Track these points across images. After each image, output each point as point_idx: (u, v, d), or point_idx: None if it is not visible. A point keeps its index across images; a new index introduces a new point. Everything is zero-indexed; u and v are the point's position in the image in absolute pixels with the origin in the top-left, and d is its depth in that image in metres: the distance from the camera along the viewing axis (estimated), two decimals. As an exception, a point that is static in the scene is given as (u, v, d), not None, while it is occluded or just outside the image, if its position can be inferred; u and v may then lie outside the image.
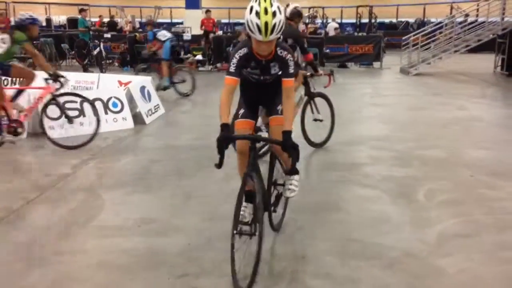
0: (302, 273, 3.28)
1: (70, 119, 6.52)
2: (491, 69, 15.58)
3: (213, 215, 4.29)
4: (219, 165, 3.01)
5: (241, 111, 3.53)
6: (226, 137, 2.97)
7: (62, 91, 6.48)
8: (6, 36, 6.23)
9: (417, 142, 6.75)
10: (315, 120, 6.20)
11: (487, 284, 3.17)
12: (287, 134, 3.02)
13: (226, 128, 3.01)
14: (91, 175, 5.48)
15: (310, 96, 6.23)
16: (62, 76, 6.33)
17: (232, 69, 3.12)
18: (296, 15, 6.31)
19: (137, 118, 7.98)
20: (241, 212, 3.33)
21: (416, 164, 5.75)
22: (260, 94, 3.42)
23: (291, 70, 3.11)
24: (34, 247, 3.68)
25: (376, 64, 16.88)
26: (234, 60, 3.11)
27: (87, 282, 3.19)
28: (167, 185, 5.07)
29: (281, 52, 3.10)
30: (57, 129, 7.05)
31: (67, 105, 7.16)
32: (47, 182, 5.12)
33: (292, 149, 2.98)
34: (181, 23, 23.39)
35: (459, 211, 4.33)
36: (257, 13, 2.86)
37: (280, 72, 3.20)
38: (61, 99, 6.52)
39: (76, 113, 7.32)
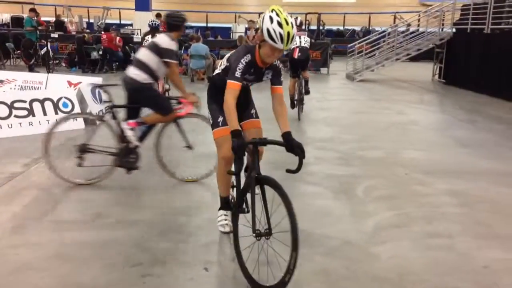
0: (247, 262, 3.52)
1: None
2: (430, 77, 16.50)
3: (166, 209, 4.49)
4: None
5: (220, 118, 3.57)
6: (242, 144, 3.08)
7: None
8: None
9: (359, 143, 7.19)
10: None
11: (415, 267, 3.54)
12: (289, 134, 3.20)
13: (240, 135, 3.12)
14: (43, 173, 5.52)
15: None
16: None
17: (238, 74, 3.23)
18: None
19: (88, 119, 8.01)
20: (223, 222, 3.58)
21: (357, 163, 6.16)
22: (241, 100, 3.43)
23: (282, 78, 3.44)
24: (-11, 241, 3.76)
25: (323, 70, 17.47)
26: (240, 66, 3.24)
27: (45, 272, 3.32)
28: (121, 182, 5.21)
29: (275, 61, 3.37)
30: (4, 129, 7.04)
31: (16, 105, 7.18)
32: (-2, 180, 5.15)
33: (297, 149, 3.10)
34: (131, 25, 23.23)
35: (393, 205, 4.74)
36: (279, 24, 3.04)
37: (268, 79, 3.47)
38: None
39: (25, 112, 7.33)
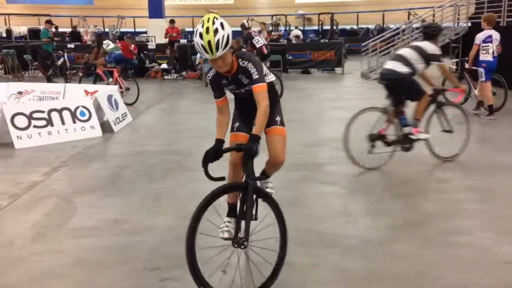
0: (268, 264, 3.53)
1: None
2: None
3: (182, 214, 4.51)
4: (208, 177, 3.02)
5: (236, 124, 3.55)
6: (207, 151, 3.04)
7: None
8: None
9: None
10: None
11: (434, 263, 3.51)
12: (253, 137, 3.03)
13: (216, 143, 3.10)
14: (62, 181, 5.62)
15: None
16: None
17: (212, 91, 3.30)
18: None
19: (105, 126, 8.13)
20: (224, 229, 3.42)
21: (373, 162, 6.11)
22: (252, 107, 3.29)
23: (255, 76, 3.13)
24: (11, 249, 3.84)
25: (338, 70, 17.39)
26: (210, 83, 3.29)
27: (66, 278, 3.38)
28: (137, 188, 5.27)
29: (243, 63, 3.17)
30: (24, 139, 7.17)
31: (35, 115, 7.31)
32: (19, 190, 5.24)
33: (245, 149, 3.00)
34: (145, 32, 23.45)
35: (411, 202, 4.71)
36: (201, 35, 2.93)
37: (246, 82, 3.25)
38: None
39: (43, 122, 7.45)
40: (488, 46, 8.61)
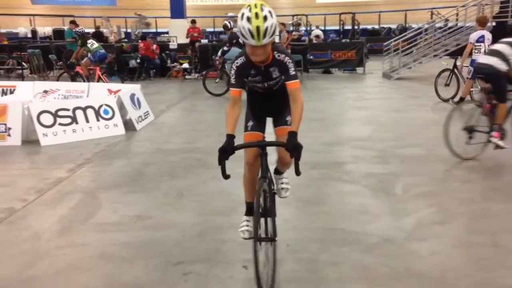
0: (286, 259, 3.55)
1: None
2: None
3: (203, 211, 4.57)
4: (224, 176, 2.97)
5: (250, 123, 3.48)
6: (225, 148, 2.95)
7: None
8: None
9: (397, 141, 7.10)
10: None
11: (457, 263, 3.48)
12: (292, 134, 3.00)
13: (229, 139, 3.00)
14: (87, 178, 5.72)
15: None
16: None
17: (232, 80, 3.13)
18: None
19: (128, 125, 8.23)
20: (243, 228, 3.41)
21: (395, 161, 6.08)
22: (267, 105, 3.28)
23: (292, 72, 3.07)
24: (37, 243, 3.93)
25: (359, 70, 17.29)
26: (233, 71, 3.12)
27: (90, 271, 3.46)
28: (160, 185, 5.34)
29: (278, 56, 3.08)
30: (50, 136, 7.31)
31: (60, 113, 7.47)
32: (45, 185, 5.35)
33: (293, 150, 2.94)
34: (167, 33, 23.65)
35: (433, 202, 4.66)
36: (249, 19, 2.84)
37: (282, 77, 3.16)
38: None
39: (68, 120, 7.59)
40: (480, 45, 9.19)
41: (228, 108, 3.15)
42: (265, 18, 2.85)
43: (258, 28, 2.83)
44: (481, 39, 9.19)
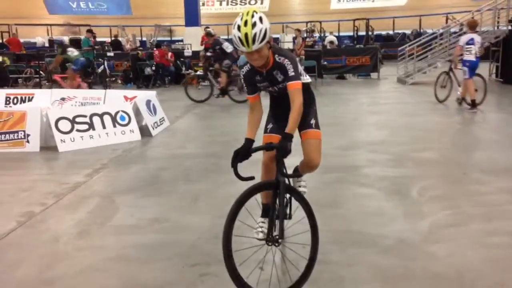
0: (303, 260, 3.56)
1: None
2: (486, 77, 15.92)
3: (220, 214, 4.58)
4: (238, 177, 3.05)
5: (269, 125, 3.53)
6: (237, 150, 3.05)
7: None
8: None
9: (412, 145, 7.08)
10: None
11: (473, 265, 3.46)
12: (285, 136, 3.03)
13: (246, 142, 3.09)
14: (104, 182, 5.80)
15: None
16: None
17: (245, 88, 3.31)
18: None
19: (144, 131, 8.32)
20: (258, 230, 3.45)
21: (410, 165, 6.07)
22: (286, 108, 3.26)
23: (291, 73, 3.11)
24: (57, 245, 4.00)
25: (373, 75, 17.26)
26: (243, 80, 3.31)
27: (109, 272, 3.51)
28: (176, 189, 5.39)
29: (279, 59, 3.15)
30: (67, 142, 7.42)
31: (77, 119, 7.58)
32: (63, 190, 5.44)
33: (279, 150, 3.00)
34: (181, 41, 23.87)
35: (450, 204, 4.64)
36: (239, 27, 2.97)
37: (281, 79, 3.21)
38: None
39: (85, 126, 7.70)
40: (470, 47, 9.81)
41: (249, 114, 3.28)
42: (254, 24, 2.96)
43: (246, 35, 2.96)
44: (471, 42, 9.80)
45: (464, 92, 10.03)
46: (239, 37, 2.98)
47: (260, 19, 2.99)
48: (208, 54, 12.96)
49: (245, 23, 2.96)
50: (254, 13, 3.01)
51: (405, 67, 16.74)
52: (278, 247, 3.22)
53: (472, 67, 9.84)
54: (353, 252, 3.71)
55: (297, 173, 3.68)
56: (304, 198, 3.27)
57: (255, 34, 2.95)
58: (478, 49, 9.84)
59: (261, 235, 3.44)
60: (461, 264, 3.47)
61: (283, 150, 2.99)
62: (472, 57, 9.82)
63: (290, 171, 3.50)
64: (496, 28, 15.96)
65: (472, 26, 10.39)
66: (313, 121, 3.49)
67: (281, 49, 3.31)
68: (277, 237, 3.12)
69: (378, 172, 5.77)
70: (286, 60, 3.14)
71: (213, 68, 12.77)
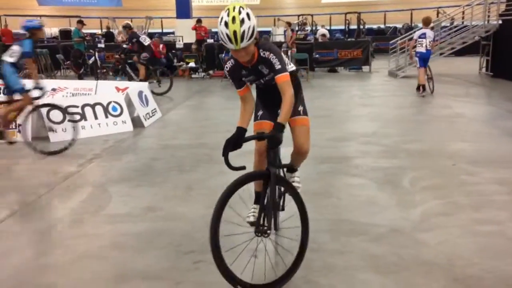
0: (295, 249, 3.60)
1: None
2: (476, 71, 16.07)
3: (213, 203, 4.59)
4: (229, 166, 3.02)
5: (260, 112, 3.53)
6: (229, 139, 3.00)
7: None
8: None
9: (403, 137, 7.14)
10: None
11: (464, 251, 3.52)
12: (277, 126, 3.02)
13: (237, 131, 3.05)
14: (97, 172, 5.80)
15: None
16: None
17: (232, 81, 3.26)
18: None
19: (136, 122, 8.32)
20: (249, 214, 3.50)
21: (402, 156, 6.13)
22: (274, 97, 3.25)
23: (278, 66, 3.07)
24: (51, 233, 4.02)
25: (365, 68, 17.33)
26: (229, 74, 3.22)
27: (103, 259, 3.53)
28: (169, 179, 5.41)
29: (263, 53, 3.09)
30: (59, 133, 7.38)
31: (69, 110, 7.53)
32: (55, 179, 5.44)
33: (270, 139, 2.99)
34: (173, 33, 23.77)
35: (440, 194, 4.70)
36: (226, 23, 2.86)
37: (267, 73, 3.19)
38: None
39: (78, 117, 7.66)
40: (422, 41, 11.11)
41: (240, 106, 3.27)
42: (242, 21, 2.88)
43: (235, 32, 2.86)
44: (422, 36, 11.10)
45: (421, 79, 11.24)
46: (227, 34, 2.89)
47: (248, 15, 2.91)
48: (125, 46, 13.13)
49: (233, 20, 2.87)
50: (241, 9, 2.90)
51: (396, 60, 16.83)
52: (267, 237, 3.21)
53: (422, 58, 11.11)
54: (346, 241, 3.76)
55: (291, 169, 3.70)
56: (298, 194, 3.27)
57: (243, 32, 2.87)
58: (429, 43, 11.08)
59: (252, 219, 3.48)
60: (451, 251, 3.52)
61: (274, 140, 2.99)
62: (422, 49, 11.09)
63: (284, 161, 3.54)
64: (486, 22, 16.07)
65: (426, 22, 11.55)
66: (300, 108, 3.51)
67: (265, 43, 3.24)
68: (265, 228, 3.12)
69: (370, 163, 5.82)
70: (271, 54, 3.09)
71: (131, 61, 12.95)
